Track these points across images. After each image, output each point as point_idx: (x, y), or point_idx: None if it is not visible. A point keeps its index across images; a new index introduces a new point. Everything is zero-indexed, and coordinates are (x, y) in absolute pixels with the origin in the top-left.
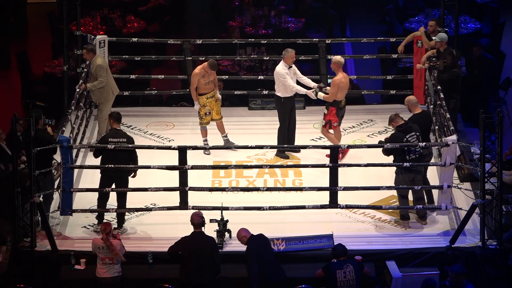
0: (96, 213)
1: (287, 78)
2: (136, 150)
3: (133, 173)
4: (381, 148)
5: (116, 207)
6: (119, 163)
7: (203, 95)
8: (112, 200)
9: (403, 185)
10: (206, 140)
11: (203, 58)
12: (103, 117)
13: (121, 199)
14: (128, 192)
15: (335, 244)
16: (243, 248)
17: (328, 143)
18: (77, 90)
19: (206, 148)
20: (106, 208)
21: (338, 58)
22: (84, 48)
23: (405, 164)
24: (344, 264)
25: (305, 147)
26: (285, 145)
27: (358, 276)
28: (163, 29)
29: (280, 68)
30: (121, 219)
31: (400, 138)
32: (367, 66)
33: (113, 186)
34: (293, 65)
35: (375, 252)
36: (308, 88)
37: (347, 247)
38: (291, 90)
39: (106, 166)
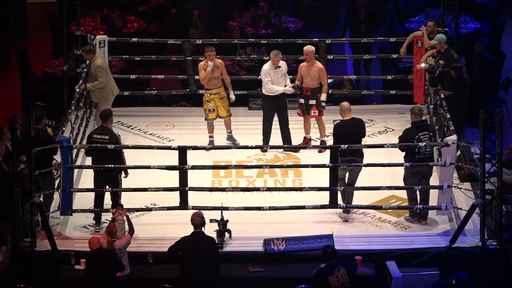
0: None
1: (267, 77)
2: (137, 150)
3: (124, 174)
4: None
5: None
6: (104, 163)
7: (207, 91)
8: (109, 201)
9: (413, 185)
10: (211, 137)
11: (203, 58)
12: None
13: (114, 198)
14: (128, 192)
15: (335, 244)
16: (243, 248)
17: (329, 142)
18: (77, 90)
19: (206, 148)
20: (104, 207)
21: (312, 47)
22: (83, 50)
23: (405, 164)
24: (335, 268)
25: (305, 147)
26: (285, 145)
27: (352, 278)
28: (163, 29)
29: (265, 67)
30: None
31: (412, 134)
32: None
33: (107, 186)
34: (282, 66)
35: (375, 252)
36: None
37: (347, 247)
38: (269, 89)
39: (106, 166)
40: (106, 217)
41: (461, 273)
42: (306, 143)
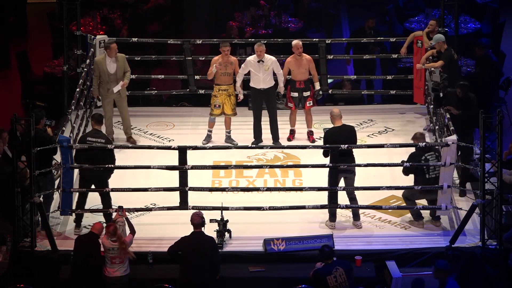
0: (100, 213)
1: (242, 68)
2: (137, 150)
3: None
4: (402, 169)
5: (116, 207)
6: (94, 164)
7: (217, 86)
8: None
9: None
10: (210, 131)
11: (203, 58)
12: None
13: (104, 199)
14: (127, 192)
15: (335, 244)
16: (243, 248)
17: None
18: (125, 81)
19: (206, 148)
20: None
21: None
22: (116, 42)
23: (405, 164)
24: (333, 268)
25: (305, 147)
26: (286, 145)
27: (350, 277)
28: (163, 29)
29: (249, 57)
30: (108, 219)
31: (419, 156)
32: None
33: (92, 186)
34: (267, 62)
35: (375, 252)
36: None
37: (347, 247)
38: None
39: (106, 166)
40: (100, 218)
41: (438, 262)
42: (293, 136)
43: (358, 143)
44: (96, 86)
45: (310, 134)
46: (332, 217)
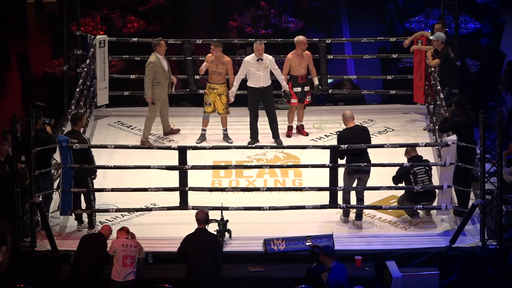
0: (101, 213)
1: (241, 71)
2: (137, 150)
3: (93, 176)
4: (392, 177)
5: (116, 208)
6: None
7: (208, 84)
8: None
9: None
10: (204, 130)
11: (203, 58)
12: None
13: (87, 199)
14: (127, 192)
15: (335, 244)
16: (243, 248)
17: (329, 143)
18: (175, 78)
19: (206, 148)
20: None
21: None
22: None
23: (405, 164)
24: (325, 265)
25: (305, 147)
26: (285, 145)
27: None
28: (163, 29)
29: (247, 58)
30: (90, 220)
31: (408, 168)
32: (367, 66)
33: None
34: (267, 61)
35: (375, 252)
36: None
37: (347, 247)
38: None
39: (106, 166)
40: (105, 217)
41: (325, 246)
42: (293, 132)
43: None
44: (150, 90)
45: (301, 128)
46: (347, 212)
